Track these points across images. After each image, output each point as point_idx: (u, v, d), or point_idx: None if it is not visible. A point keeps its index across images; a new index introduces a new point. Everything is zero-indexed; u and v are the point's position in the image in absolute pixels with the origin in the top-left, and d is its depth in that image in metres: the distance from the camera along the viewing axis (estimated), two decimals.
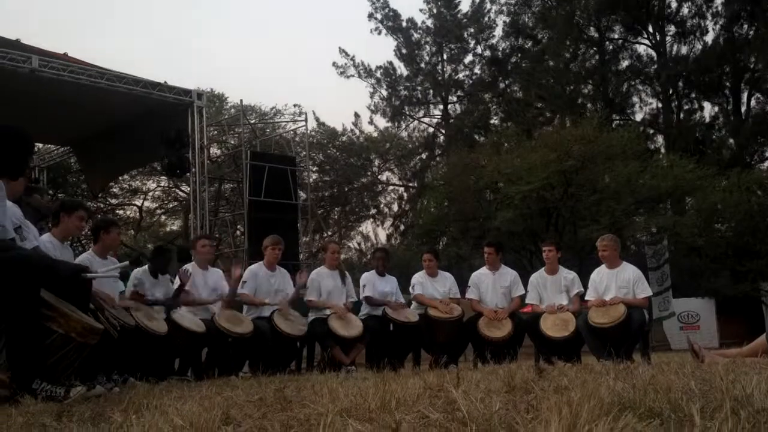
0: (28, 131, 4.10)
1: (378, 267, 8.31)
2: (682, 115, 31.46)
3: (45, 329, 3.66)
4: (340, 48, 36.79)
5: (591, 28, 32.77)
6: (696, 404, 1.86)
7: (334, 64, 36.10)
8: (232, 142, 24.56)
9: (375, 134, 35.98)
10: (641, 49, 32.77)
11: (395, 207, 36.98)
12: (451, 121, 35.89)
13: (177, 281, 7.01)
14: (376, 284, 8.11)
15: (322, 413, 2.06)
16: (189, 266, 7.31)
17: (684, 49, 31.61)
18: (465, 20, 35.75)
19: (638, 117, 32.83)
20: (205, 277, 7.40)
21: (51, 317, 3.71)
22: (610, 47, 33.08)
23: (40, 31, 48.26)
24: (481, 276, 8.14)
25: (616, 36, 33.12)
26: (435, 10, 36.03)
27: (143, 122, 14.68)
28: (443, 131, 36.57)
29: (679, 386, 2.45)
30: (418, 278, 8.21)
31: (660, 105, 32.16)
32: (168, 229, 33.83)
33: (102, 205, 28.17)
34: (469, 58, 36.28)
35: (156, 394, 3.59)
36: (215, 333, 6.73)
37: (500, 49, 35.32)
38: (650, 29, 31.89)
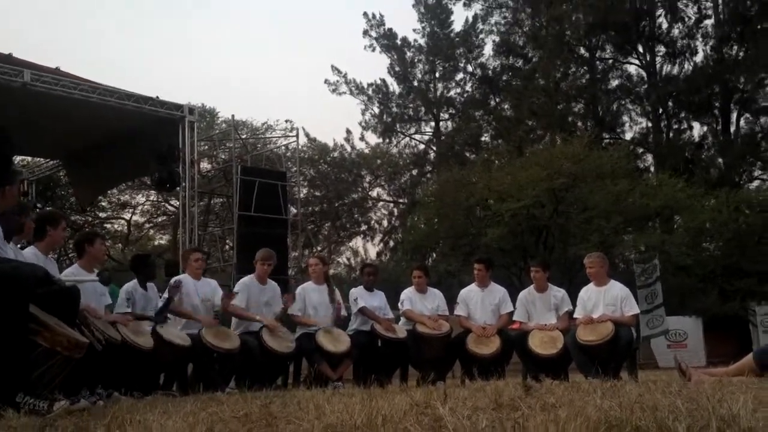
0: (4, 129, 3.94)
1: (366, 282, 8.28)
2: (671, 135, 31.71)
3: (30, 342, 3.63)
4: (332, 66, 36.97)
5: (581, 47, 33.04)
6: (682, 423, 1.86)
7: (326, 81, 36.31)
8: (223, 156, 24.54)
9: (366, 150, 36.13)
10: (631, 68, 33.13)
11: (385, 223, 37.06)
12: (442, 138, 36.05)
13: (165, 295, 6.98)
14: (364, 299, 8.08)
15: (308, 429, 2.04)
16: (181, 277, 7.30)
17: (674, 69, 31.95)
18: (457, 39, 36.00)
19: (628, 136, 33.13)
20: (197, 287, 7.35)
21: (37, 330, 3.68)
22: (601, 66, 33.39)
23: (33, 46, 48.23)
24: (470, 293, 8.12)
25: (607, 55, 33.43)
26: (428, 29, 36.31)
27: (134, 136, 14.65)
28: (434, 148, 36.73)
29: (665, 405, 2.45)
30: (407, 294, 8.17)
31: (650, 124, 32.44)
32: (156, 243, 33.71)
33: (90, 219, 28.04)
34: (460, 76, 36.55)
35: (140, 409, 3.56)
36: (201, 348, 6.68)
37: (491, 67, 35.61)
38: (640, 49, 32.21)
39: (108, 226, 29.93)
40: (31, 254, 5.21)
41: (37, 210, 14.74)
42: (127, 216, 30.80)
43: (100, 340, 4.97)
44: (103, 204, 28.46)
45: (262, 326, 7.30)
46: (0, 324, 3.47)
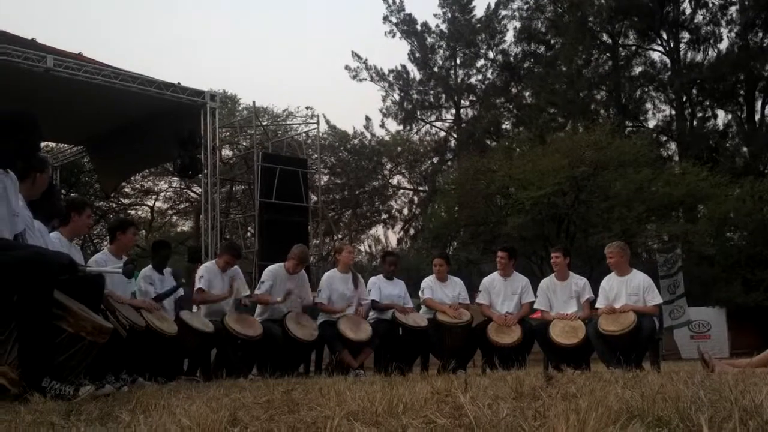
0: (33, 115, 3.97)
1: (386, 271, 8.29)
2: (695, 123, 31.33)
3: (55, 328, 3.68)
4: (353, 51, 36.85)
5: (604, 33, 32.68)
6: (705, 414, 1.85)
7: (346, 67, 36.23)
8: (244, 143, 24.62)
9: (386, 138, 36.06)
10: (655, 55, 32.74)
11: (406, 211, 37.02)
12: (463, 125, 35.89)
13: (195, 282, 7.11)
14: (382, 288, 8.10)
15: (329, 416, 2.06)
16: (209, 265, 7.45)
17: (698, 57, 31.53)
18: (478, 25, 35.78)
19: (651, 124, 32.79)
20: (221, 277, 7.44)
21: (61, 316, 3.72)
22: (624, 53, 32.99)
23: (56, 31, 48.56)
24: (493, 281, 8.12)
25: (630, 42, 33.04)
26: (449, 15, 36.12)
27: (156, 123, 14.73)
28: (455, 135, 36.59)
29: (688, 395, 2.43)
30: (428, 282, 8.19)
31: (673, 112, 32.08)
32: (179, 229, 33.96)
33: (114, 205, 28.30)
34: (481, 62, 36.35)
35: (164, 395, 3.60)
36: (224, 334, 6.74)
37: (512, 54, 35.36)
38: (664, 36, 31.82)
39: (132, 212, 30.18)
40: (55, 240, 5.26)
41: (62, 196, 14.90)
42: (150, 202, 31.07)
43: (124, 326, 5.03)
44: (127, 190, 28.71)
45: (286, 314, 7.36)
46: (25, 309, 3.52)
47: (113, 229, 6.38)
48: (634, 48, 33.04)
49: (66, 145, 18.94)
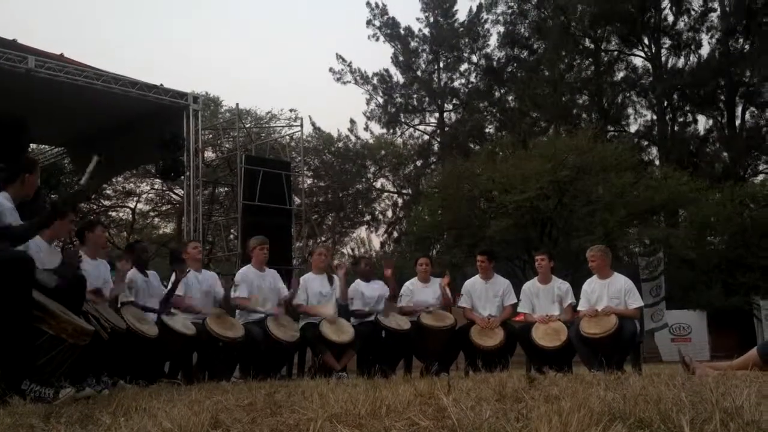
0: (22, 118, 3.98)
1: (362, 273, 8.32)
2: (676, 128, 31.61)
3: (35, 330, 3.64)
4: (336, 54, 36.85)
5: (586, 39, 32.90)
6: (686, 416, 1.86)
7: (330, 69, 36.24)
8: (227, 145, 24.52)
9: (370, 141, 36.09)
10: (637, 61, 33.01)
11: (389, 214, 37.02)
12: (447, 129, 35.99)
13: (171, 282, 7.02)
14: (364, 293, 8.12)
15: (312, 418, 2.05)
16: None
17: (679, 62, 31.85)
18: (461, 29, 35.91)
19: (633, 128, 33.06)
20: (198, 280, 7.39)
21: (41, 318, 3.70)
22: (606, 58, 33.23)
23: (37, 32, 48.20)
24: (474, 284, 8.12)
25: (612, 47, 33.28)
26: (432, 19, 36.24)
27: (138, 124, 14.63)
28: (438, 139, 36.67)
29: (669, 397, 2.45)
30: (408, 286, 8.20)
31: (654, 117, 32.34)
32: (161, 231, 33.72)
33: (95, 207, 28.06)
34: (464, 66, 36.47)
35: (145, 397, 3.57)
36: (206, 337, 6.70)
37: (496, 58, 35.56)
38: (646, 41, 32.08)
39: (113, 214, 29.93)
40: (34, 243, 5.20)
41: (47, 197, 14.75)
42: (132, 204, 30.84)
43: (105, 329, 4.99)
44: (108, 192, 28.46)
45: (268, 315, 7.32)
46: (4, 310, 3.48)
47: (81, 231, 6.36)
48: (616, 53, 33.30)
49: (47, 146, 18.78)
